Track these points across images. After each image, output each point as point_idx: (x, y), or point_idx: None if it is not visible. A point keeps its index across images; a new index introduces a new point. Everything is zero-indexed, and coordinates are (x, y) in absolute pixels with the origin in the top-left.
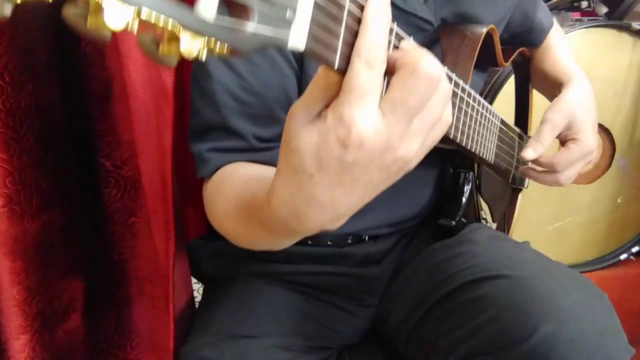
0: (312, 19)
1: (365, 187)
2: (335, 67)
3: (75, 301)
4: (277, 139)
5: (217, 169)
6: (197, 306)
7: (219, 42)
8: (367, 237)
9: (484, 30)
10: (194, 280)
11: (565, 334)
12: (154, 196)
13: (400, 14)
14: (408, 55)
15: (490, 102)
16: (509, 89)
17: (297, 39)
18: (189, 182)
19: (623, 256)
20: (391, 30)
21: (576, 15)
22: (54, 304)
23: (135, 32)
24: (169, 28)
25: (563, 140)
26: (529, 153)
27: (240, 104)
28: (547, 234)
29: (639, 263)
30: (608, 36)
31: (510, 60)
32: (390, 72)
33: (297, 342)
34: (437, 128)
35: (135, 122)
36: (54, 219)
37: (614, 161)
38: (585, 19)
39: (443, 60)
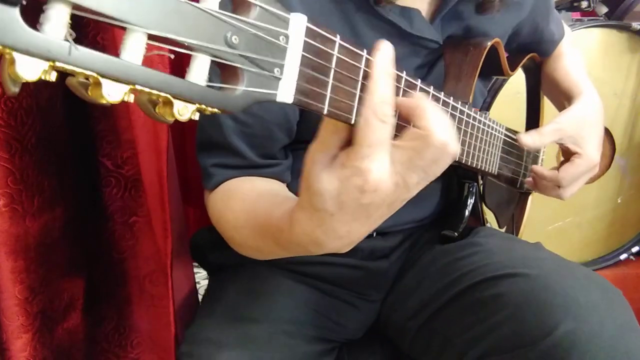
0: (300, 74)
1: (376, 219)
2: (325, 113)
3: (75, 300)
4: (276, 156)
5: (220, 183)
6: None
7: (208, 106)
8: (374, 234)
9: (488, 44)
10: (196, 279)
11: (586, 330)
12: (153, 195)
13: (406, 36)
14: (423, 119)
15: (490, 103)
16: (507, 91)
17: (285, 94)
18: (189, 182)
19: (623, 256)
20: (400, 77)
21: (576, 15)
22: (55, 302)
23: (132, 100)
24: (162, 96)
25: (567, 154)
26: (526, 139)
27: (240, 125)
28: (547, 234)
29: (639, 263)
30: (608, 36)
31: (519, 67)
32: (402, 119)
33: (301, 330)
34: (439, 171)
35: (134, 122)
36: (56, 218)
37: (614, 161)
38: (585, 19)
39: (446, 75)
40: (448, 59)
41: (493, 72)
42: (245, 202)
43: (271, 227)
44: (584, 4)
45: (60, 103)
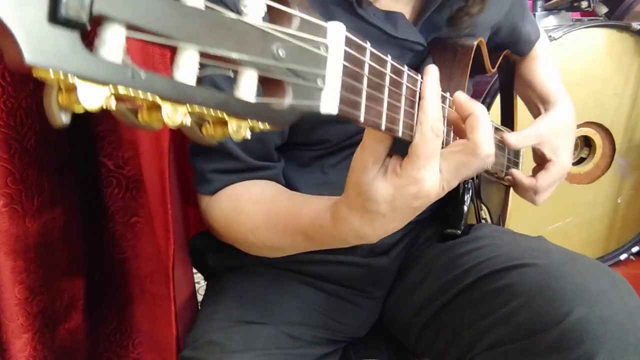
0: (342, 84)
1: (416, 214)
2: (361, 122)
3: (76, 300)
4: (271, 158)
5: (220, 189)
6: (199, 304)
7: (260, 121)
8: None
9: (474, 43)
10: (196, 279)
11: (598, 315)
12: (154, 196)
13: (392, 40)
14: (476, 131)
15: (490, 102)
16: None
17: (329, 104)
18: (190, 182)
19: (623, 256)
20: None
21: (576, 15)
22: (56, 303)
23: (189, 124)
24: (217, 115)
25: (541, 159)
26: (510, 139)
27: None
28: (547, 234)
29: (639, 263)
30: (608, 36)
31: (497, 64)
32: (456, 130)
33: (305, 332)
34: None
35: None
36: (55, 218)
37: (614, 161)
38: (585, 19)
39: None
40: (437, 61)
41: (476, 70)
42: (261, 204)
43: (302, 224)
44: (584, 4)
45: None
